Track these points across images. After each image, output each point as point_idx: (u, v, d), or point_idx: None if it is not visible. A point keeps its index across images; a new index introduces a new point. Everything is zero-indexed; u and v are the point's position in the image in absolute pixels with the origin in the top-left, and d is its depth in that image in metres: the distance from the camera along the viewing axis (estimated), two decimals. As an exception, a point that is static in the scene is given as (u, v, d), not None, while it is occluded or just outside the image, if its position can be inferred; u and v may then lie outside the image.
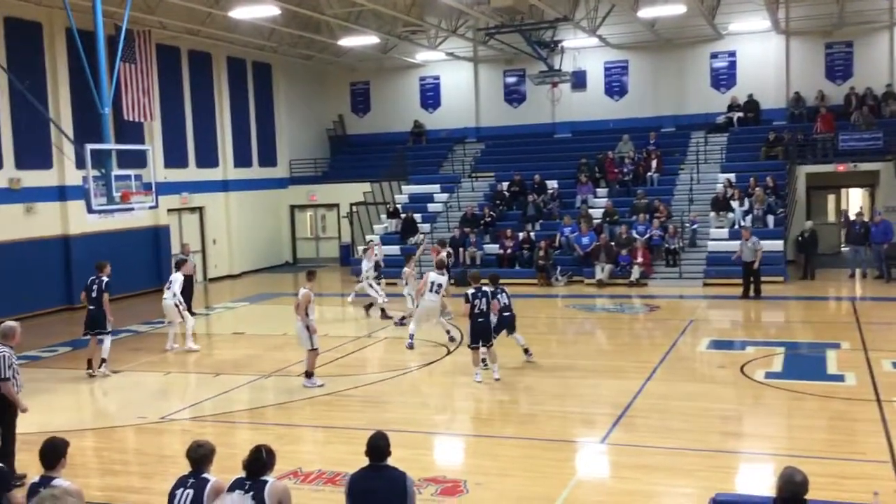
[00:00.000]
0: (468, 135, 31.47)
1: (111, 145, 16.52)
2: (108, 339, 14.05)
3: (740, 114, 27.73)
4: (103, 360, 13.95)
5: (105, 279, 13.93)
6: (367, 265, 19.02)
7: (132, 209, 16.33)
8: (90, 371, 13.87)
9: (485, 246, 24.52)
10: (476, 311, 12.61)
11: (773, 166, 24.88)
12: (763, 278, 19.95)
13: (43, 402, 11.79)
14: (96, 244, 21.52)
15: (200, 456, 5.89)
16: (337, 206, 30.39)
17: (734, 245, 20.54)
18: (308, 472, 8.92)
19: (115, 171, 16.35)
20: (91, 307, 13.97)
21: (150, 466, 9.69)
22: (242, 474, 5.77)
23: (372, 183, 28.73)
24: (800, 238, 22.63)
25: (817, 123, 25.80)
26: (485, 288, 12.90)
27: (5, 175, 20.18)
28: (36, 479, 6.14)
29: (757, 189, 23.44)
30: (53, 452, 6.09)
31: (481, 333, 12.71)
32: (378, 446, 5.83)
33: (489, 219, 25.48)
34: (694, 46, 28.87)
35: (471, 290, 12.78)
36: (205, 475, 5.82)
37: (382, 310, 18.61)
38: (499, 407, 12.02)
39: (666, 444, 9.58)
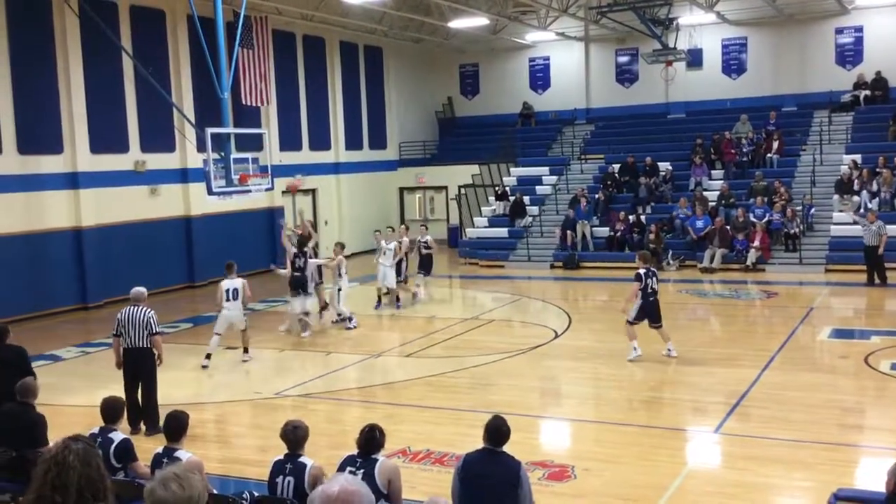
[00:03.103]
0: (578, 116, 31.02)
1: (230, 129, 17.07)
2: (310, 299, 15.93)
3: (867, 92, 26.31)
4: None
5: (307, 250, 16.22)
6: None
7: (249, 191, 16.82)
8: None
9: (594, 229, 24.19)
10: (649, 290, 12.63)
11: (903, 147, 23.55)
12: (890, 264, 18.97)
13: (165, 376, 12.29)
14: (215, 225, 22.36)
15: (299, 437, 6.02)
16: (445, 188, 30.54)
17: (859, 229, 19.52)
18: (416, 452, 9.03)
19: (234, 155, 16.87)
20: (296, 273, 15.66)
21: (265, 440, 9.99)
22: (353, 451, 5.89)
23: (480, 165, 28.71)
24: (931, 223, 21.34)
25: (953, 101, 24.27)
26: (653, 269, 13.05)
27: (131, 158, 21.13)
28: (159, 450, 6.43)
29: (885, 170, 22.25)
30: (177, 425, 6.37)
31: (651, 312, 12.74)
32: (501, 431, 5.78)
33: (601, 200, 25.03)
34: (818, 22, 27.55)
35: (642, 270, 12.74)
36: (301, 458, 5.95)
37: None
38: (607, 392, 11.87)
39: (783, 436, 9.25)
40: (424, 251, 18.95)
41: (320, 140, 27.87)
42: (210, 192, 16.00)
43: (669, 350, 12.88)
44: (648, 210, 24.53)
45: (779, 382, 11.42)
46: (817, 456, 8.70)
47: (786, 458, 8.65)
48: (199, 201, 20.95)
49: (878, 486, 4.96)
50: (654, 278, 12.79)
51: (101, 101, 20.18)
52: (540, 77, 32.15)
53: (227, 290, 13.32)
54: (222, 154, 16.35)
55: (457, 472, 5.79)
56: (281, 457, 6.09)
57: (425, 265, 19.02)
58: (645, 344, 12.91)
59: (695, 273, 21.66)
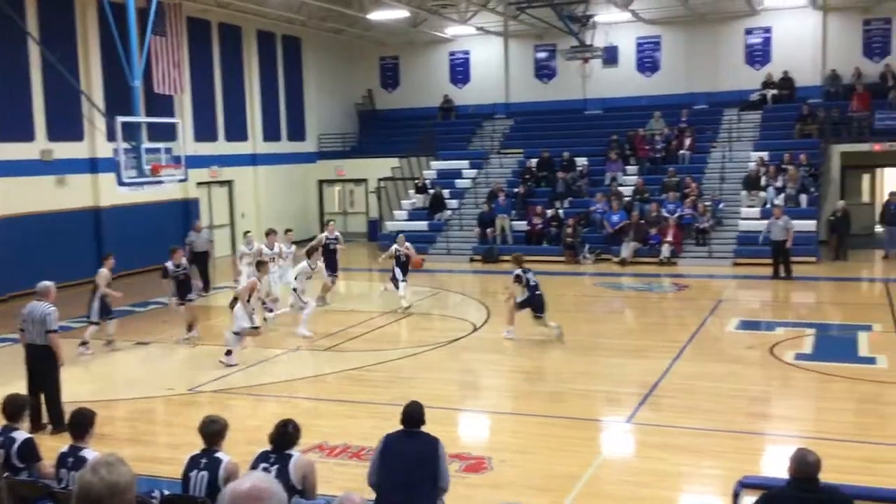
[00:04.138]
0: (497, 110, 31.26)
1: (141, 118, 16.64)
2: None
3: (774, 91, 27.27)
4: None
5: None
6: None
7: (161, 182, 16.42)
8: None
9: (513, 223, 24.41)
10: (531, 284, 13.59)
11: (807, 145, 24.47)
12: (795, 258, 19.70)
13: (73, 372, 11.92)
14: (127, 216, 21.73)
15: (213, 432, 5.91)
16: (365, 181, 30.38)
17: (765, 224, 20.22)
18: (333, 447, 8.97)
19: (146, 144, 16.45)
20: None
21: (178, 437, 9.78)
22: (268, 447, 5.81)
23: (400, 158, 28.67)
24: (832, 218, 22.29)
25: (853, 101, 25.31)
26: (527, 267, 13.87)
27: (37, 147, 20.34)
28: (65, 448, 6.22)
29: (790, 167, 23.09)
30: (82, 423, 6.18)
31: (537, 304, 13.61)
32: (414, 416, 6.19)
33: (521, 194, 25.27)
34: (728, 22, 28.39)
35: (519, 270, 13.60)
36: (217, 454, 5.84)
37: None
38: (524, 385, 12.00)
39: (692, 425, 9.52)
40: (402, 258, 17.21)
41: (237, 131, 27.37)
42: (120, 183, 15.59)
43: (556, 329, 13.66)
44: (566, 204, 24.89)
45: (689, 373, 11.75)
46: (725, 444, 8.98)
47: (695, 447, 8.90)
48: (110, 192, 20.33)
49: (782, 472, 5.14)
50: (531, 273, 13.75)
51: (6, 87, 19.38)
52: (460, 71, 32.27)
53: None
54: (133, 144, 15.92)
55: (378, 452, 6.07)
56: (197, 451, 5.98)
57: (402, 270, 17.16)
58: (570, 334, 13.10)
59: (610, 266, 22.10)
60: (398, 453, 6.04)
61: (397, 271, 16.90)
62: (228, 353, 12.69)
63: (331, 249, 17.37)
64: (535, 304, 13.60)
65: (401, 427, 6.23)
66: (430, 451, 6.07)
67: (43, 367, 9.84)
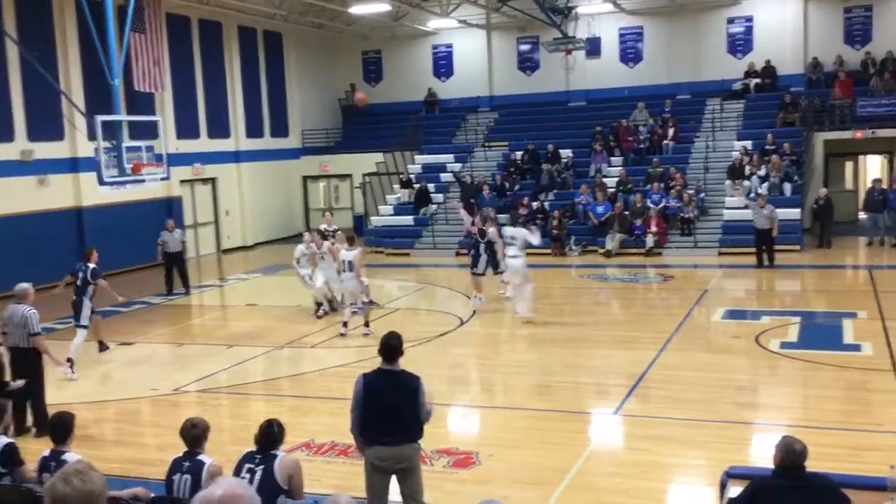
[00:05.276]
0: (481, 103, 31.19)
1: (122, 116, 16.48)
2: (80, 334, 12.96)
3: (757, 80, 27.31)
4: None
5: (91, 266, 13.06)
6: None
7: (143, 181, 16.27)
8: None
9: (498, 215, 24.31)
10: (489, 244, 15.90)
11: (790, 133, 24.53)
12: (779, 247, 19.75)
13: (56, 373, 11.81)
14: (109, 216, 21.57)
15: (195, 436, 5.87)
16: (350, 176, 30.29)
17: (749, 214, 20.25)
18: (320, 444, 8.92)
19: (127, 143, 16.31)
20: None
21: (164, 438, 9.70)
22: (253, 447, 5.77)
23: (385, 153, 28.57)
24: (815, 206, 22.37)
25: (835, 89, 25.38)
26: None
27: (17, 147, 20.16)
28: (46, 452, 6.17)
29: (773, 156, 23.15)
30: (62, 427, 6.12)
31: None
32: (392, 345, 6.19)
33: (499, 185, 25.21)
34: (710, 11, 28.41)
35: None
36: (200, 457, 5.81)
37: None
38: (511, 378, 11.98)
39: (680, 416, 9.53)
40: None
41: (219, 127, 27.20)
42: (101, 183, 15.44)
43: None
44: (551, 196, 24.87)
45: (675, 363, 11.76)
46: (711, 434, 8.98)
47: (682, 438, 8.91)
48: (92, 192, 20.08)
49: (769, 461, 5.13)
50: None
51: (-16, 87, 19.19)
52: (443, 64, 32.17)
53: (344, 261, 14.13)
54: (114, 142, 15.78)
55: (357, 397, 6.24)
56: (180, 454, 5.94)
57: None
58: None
59: (596, 258, 22.12)
60: (379, 392, 6.13)
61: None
62: (367, 324, 14.12)
63: None
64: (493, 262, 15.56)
65: (380, 360, 6.28)
66: (410, 388, 6.15)
67: (25, 370, 9.77)
